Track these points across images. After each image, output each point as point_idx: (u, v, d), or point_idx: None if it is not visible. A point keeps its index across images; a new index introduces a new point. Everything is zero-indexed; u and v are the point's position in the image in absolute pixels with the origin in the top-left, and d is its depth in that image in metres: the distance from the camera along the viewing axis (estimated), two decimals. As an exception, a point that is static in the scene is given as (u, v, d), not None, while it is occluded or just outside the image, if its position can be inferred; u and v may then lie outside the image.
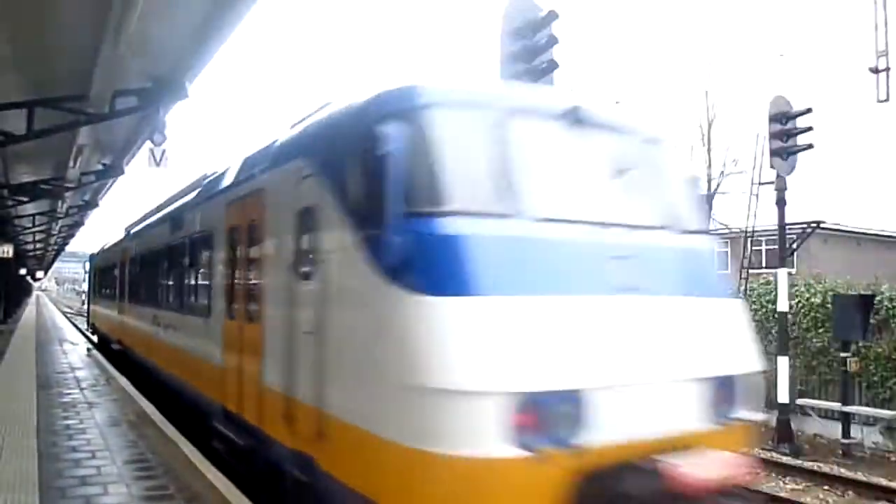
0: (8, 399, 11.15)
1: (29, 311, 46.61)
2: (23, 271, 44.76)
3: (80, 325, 36.42)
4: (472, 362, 4.25)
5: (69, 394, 12.12)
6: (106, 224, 32.81)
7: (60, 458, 7.63)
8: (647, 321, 4.91)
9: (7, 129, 10.12)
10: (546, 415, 4.26)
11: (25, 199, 17.80)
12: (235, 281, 8.12)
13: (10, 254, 23.67)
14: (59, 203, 20.31)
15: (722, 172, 33.80)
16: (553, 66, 10.67)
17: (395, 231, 4.49)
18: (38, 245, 36.48)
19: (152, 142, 11.37)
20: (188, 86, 9.29)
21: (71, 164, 13.98)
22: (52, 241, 36.06)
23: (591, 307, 4.74)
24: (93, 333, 29.64)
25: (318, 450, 5.49)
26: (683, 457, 4.54)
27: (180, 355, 10.51)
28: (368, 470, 4.88)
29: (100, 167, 15.49)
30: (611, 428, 4.45)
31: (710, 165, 34.15)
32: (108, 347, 21.17)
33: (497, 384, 4.18)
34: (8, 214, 20.92)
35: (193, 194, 10.99)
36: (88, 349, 20.80)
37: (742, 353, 5.46)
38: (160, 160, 11.47)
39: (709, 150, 34.01)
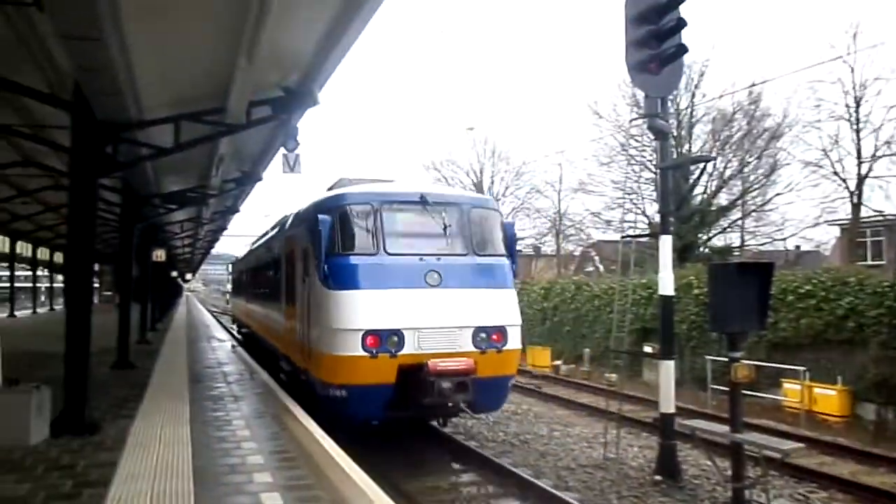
0: (164, 392, 12.04)
1: (180, 311, 50.11)
2: (174, 273, 48.37)
3: (224, 322, 38.79)
4: (350, 317, 10.02)
5: (217, 388, 12.95)
6: (247, 228, 34.82)
7: (211, 447, 8.16)
8: (445, 300, 10.33)
9: (157, 143, 10.88)
10: (382, 339, 9.89)
11: (174, 206, 18.94)
12: (288, 282, 14.02)
13: (163, 258, 25.39)
14: (204, 209, 21.61)
15: (874, 155, 31.05)
16: (682, 50, 10.20)
17: (324, 262, 10.42)
18: (187, 249, 39.19)
19: (286, 148, 11.72)
20: (318, 93, 9.62)
21: (213, 172, 14.85)
22: (199, 244, 38.53)
23: (413, 294, 10.24)
24: (232, 323, 32.02)
25: (309, 364, 11.41)
26: (444, 360, 9.87)
27: (272, 327, 16.78)
28: (318, 366, 10.74)
29: (239, 174, 16.35)
30: (415, 347, 10.01)
31: (859, 147, 31.48)
32: (242, 332, 28.04)
33: (359, 325, 9.92)
34: (160, 221, 22.49)
35: (277, 229, 17.61)
36: (233, 346, 22.11)
37: (507, 316, 10.83)
38: (294, 165, 11.84)
39: (857, 131, 31.34)
